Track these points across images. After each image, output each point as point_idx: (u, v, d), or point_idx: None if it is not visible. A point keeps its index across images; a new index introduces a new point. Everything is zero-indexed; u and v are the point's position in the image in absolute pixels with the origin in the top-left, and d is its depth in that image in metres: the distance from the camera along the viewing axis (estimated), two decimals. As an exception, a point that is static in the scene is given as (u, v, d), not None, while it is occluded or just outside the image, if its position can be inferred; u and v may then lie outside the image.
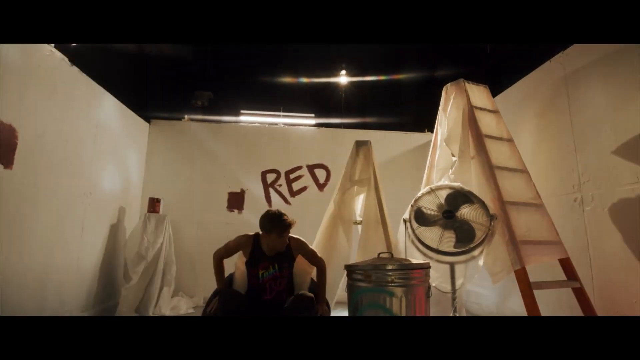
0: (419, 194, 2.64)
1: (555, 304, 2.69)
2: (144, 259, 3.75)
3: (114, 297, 3.89)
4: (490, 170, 2.64)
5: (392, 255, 2.17)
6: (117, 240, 3.98)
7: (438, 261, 2.40)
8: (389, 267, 1.94)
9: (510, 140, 2.92)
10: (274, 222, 2.19)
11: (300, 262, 2.36)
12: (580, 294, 2.45)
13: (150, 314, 3.62)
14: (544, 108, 3.13)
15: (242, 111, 5.21)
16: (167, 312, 3.74)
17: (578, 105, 2.76)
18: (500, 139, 2.89)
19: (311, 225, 3.97)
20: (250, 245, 2.31)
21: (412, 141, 5.16)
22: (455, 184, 2.59)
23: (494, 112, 3.03)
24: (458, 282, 2.45)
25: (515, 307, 3.37)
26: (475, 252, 2.36)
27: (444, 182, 2.78)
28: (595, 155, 2.58)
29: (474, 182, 2.72)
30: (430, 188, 2.61)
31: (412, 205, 2.58)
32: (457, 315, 2.34)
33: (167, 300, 3.85)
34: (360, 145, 3.01)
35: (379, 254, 2.22)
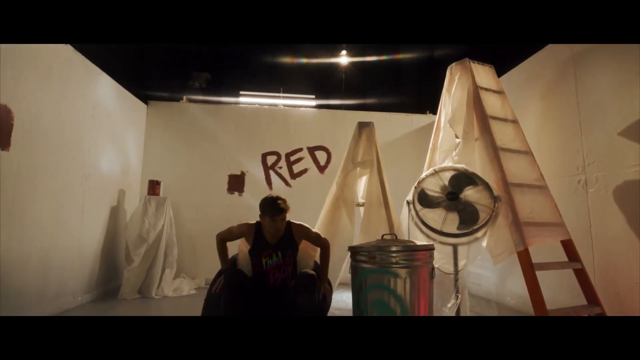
0: (423, 175, 2.61)
1: (556, 285, 2.72)
2: (146, 241, 3.75)
3: (116, 279, 3.91)
4: (494, 151, 2.61)
5: (396, 237, 2.17)
6: (117, 222, 3.97)
7: (441, 243, 2.40)
8: (394, 248, 1.94)
9: (514, 122, 2.88)
10: (267, 205, 2.17)
11: (304, 245, 2.35)
12: (582, 275, 2.47)
13: (154, 296, 3.65)
14: (549, 89, 3.08)
15: (241, 92, 5.11)
16: (169, 293, 3.77)
17: (585, 85, 2.71)
18: (504, 120, 2.85)
19: (312, 208, 3.97)
20: (252, 234, 2.29)
21: (414, 123, 5.10)
22: (459, 166, 2.57)
23: (499, 92, 2.98)
24: (461, 264, 2.46)
25: (515, 288, 3.42)
26: (479, 234, 2.36)
27: (448, 163, 2.75)
28: (601, 137, 2.56)
29: (477, 163, 2.69)
30: (434, 170, 2.59)
31: (415, 187, 2.55)
32: (459, 296, 2.35)
33: (170, 282, 3.87)
34: (362, 126, 2.97)
35: (383, 235, 2.21)
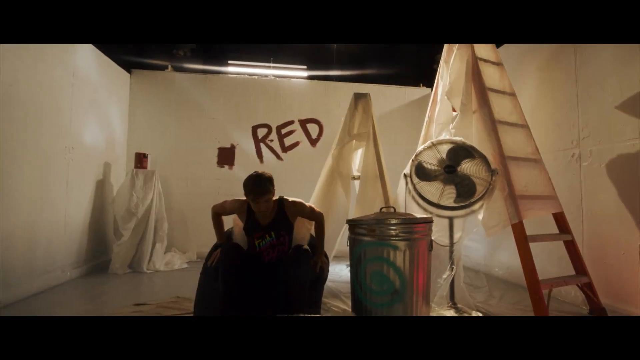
0: (420, 148, 2.59)
1: (544, 256, 2.78)
2: (135, 215, 3.67)
3: (106, 254, 3.84)
4: (492, 124, 2.58)
5: (394, 209, 2.15)
6: (104, 196, 3.85)
7: (438, 216, 2.41)
8: (393, 221, 1.93)
9: (512, 94, 2.84)
10: (247, 185, 2.01)
11: (299, 220, 2.29)
12: (571, 247, 2.53)
13: (145, 270, 3.61)
14: (547, 61, 3.04)
15: (229, 62, 4.90)
16: (161, 267, 3.74)
17: (585, 58, 2.68)
18: (502, 92, 2.81)
19: (303, 181, 3.93)
20: (244, 212, 2.18)
21: (407, 96, 5.03)
22: (457, 139, 2.54)
23: (498, 64, 2.92)
24: (456, 236, 2.49)
25: (503, 259, 3.51)
26: (476, 207, 2.37)
27: (445, 136, 2.73)
28: (598, 111, 2.55)
29: (475, 136, 2.67)
30: (432, 142, 2.56)
31: (412, 160, 2.53)
32: (454, 267, 2.39)
33: (161, 256, 3.83)
34: (359, 97, 2.89)
35: (381, 208, 2.20)
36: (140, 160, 3.91)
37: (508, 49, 3.50)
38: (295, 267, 1.99)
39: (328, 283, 2.43)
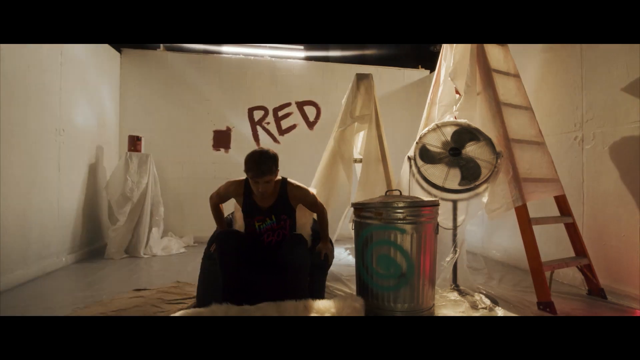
0: (424, 130, 2.54)
1: (543, 238, 2.78)
2: (130, 200, 3.59)
3: (101, 239, 3.77)
4: (497, 106, 2.55)
5: (400, 193, 2.13)
6: (97, 181, 3.75)
7: (442, 199, 2.39)
8: (401, 204, 1.90)
9: (517, 76, 2.81)
10: (248, 163, 1.84)
11: (300, 208, 2.18)
12: (572, 229, 2.55)
13: (142, 255, 3.56)
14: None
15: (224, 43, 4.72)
16: (158, 252, 3.69)
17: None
18: (507, 74, 2.77)
19: (301, 165, 3.88)
20: (241, 195, 2.03)
21: (406, 78, 4.95)
22: (462, 121, 2.50)
23: (503, 45, 2.86)
24: (459, 219, 2.48)
25: (501, 241, 3.55)
26: (480, 189, 2.36)
27: (449, 118, 2.68)
28: (603, 92, 2.53)
29: (478, 118, 2.64)
30: (436, 125, 2.51)
31: (417, 143, 2.49)
32: (458, 250, 2.40)
33: (158, 241, 3.78)
34: (361, 78, 2.81)
35: (387, 191, 2.16)
36: (134, 143, 3.80)
37: (511, 30, 3.43)
38: (293, 253, 1.92)
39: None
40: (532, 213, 2.37)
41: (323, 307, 1.67)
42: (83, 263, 3.30)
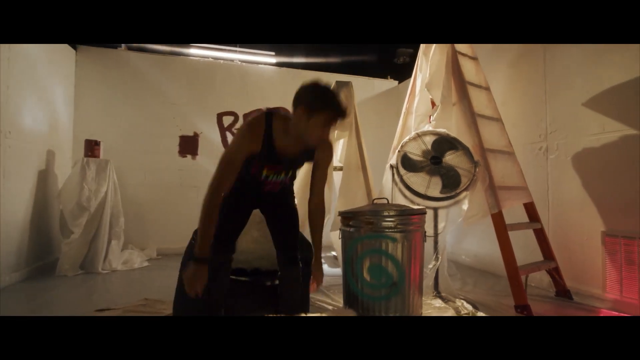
0: (405, 139, 2.58)
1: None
2: (86, 210, 3.27)
3: (52, 253, 3.40)
4: (472, 117, 2.65)
5: (388, 201, 2.12)
6: (47, 189, 3.39)
7: (424, 206, 2.42)
8: (391, 212, 1.89)
9: (487, 89, 2.94)
10: (330, 99, 1.40)
11: None
12: (540, 234, 2.70)
13: (100, 270, 3.25)
14: (517, 58, 3.18)
15: (192, 43, 4.53)
16: (118, 266, 3.39)
17: (553, 55, 2.83)
18: (479, 86, 2.89)
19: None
20: (260, 141, 1.46)
21: (375, 88, 5.04)
22: (441, 130, 2.57)
23: (474, 59, 3.00)
24: (440, 226, 2.53)
25: (470, 247, 3.68)
26: (460, 197, 2.42)
27: (428, 127, 2.75)
28: (565, 107, 2.72)
29: (455, 128, 2.72)
30: (417, 133, 2.56)
31: (398, 151, 2.51)
32: (440, 257, 2.43)
33: (118, 255, 3.47)
34: (341, 86, 2.81)
35: (374, 199, 2.15)
36: (92, 148, 3.49)
37: (478, 45, 3.61)
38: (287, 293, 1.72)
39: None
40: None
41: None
42: (31, 282, 2.93)
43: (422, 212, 2.02)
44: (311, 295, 2.45)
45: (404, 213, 1.92)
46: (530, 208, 2.74)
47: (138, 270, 3.42)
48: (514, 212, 2.79)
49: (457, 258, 3.82)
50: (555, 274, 2.61)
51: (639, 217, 2.23)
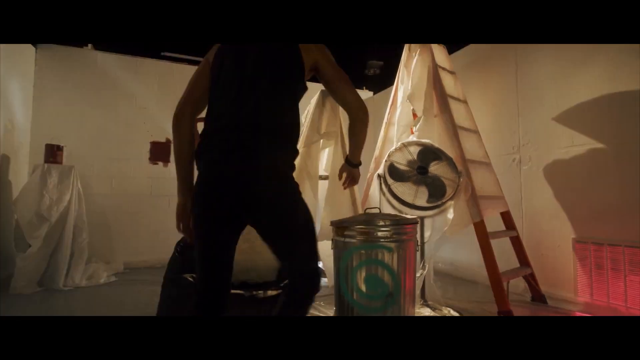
0: (392, 149, 2.61)
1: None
2: (47, 220, 3.00)
3: (4, 269, 3.06)
4: (453, 129, 2.74)
5: (380, 210, 2.12)
6: (0, 197, 3.07)
7: (411, 215, 2.45)
8: (387, 222, 1.88)
9: (465, 102, 3.07)
10: None
11: None
12: (516, 241, 2.82)
13: (61, 287, 2.97)
14: (491, 73, 3.35)
15: (163, 53, 4.33)
16: (82, 282, 3.12)
17: (525, 72, 3.01)
18: (458, 99, 3.01)
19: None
20: None
21: (351, 98, 5.09)
22: (425, 141, 2.63)
23: (452, 73, 3.12)
24: (426, 235, 2.57)
25: (446, 255, 3.77)
26: (446, 206, 2.47)
27: (412, 138, 2.80)
28: (537, 120, 2.89)
29: (437, 139, 2.79)
30: (403, 144, 2.60)
31: (385, 161, 2.54)
32: (426, 266, 2.46)
33: (81, 269, 3.20)
34: (326, 95, 2.79)
35: (366, 209, 2.14)
36: (53, 153, 3.21)
37: (455, 59, 3.76)
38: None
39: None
40: (470, 229, 2.55)
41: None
42: (-20, 302, 2.62)
43: (415, 222, 2.04)
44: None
45: (399, 222, 1.93)
46: (506, 216, 2.87)
47: (104, 286, 3.17)
48: (487, 222, 2.90)
49: (435, 266, 3.89)
50: (531, 279, 2.73)
51: (607, 224, 2.40)
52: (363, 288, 1.87)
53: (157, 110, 4.08)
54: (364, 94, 5.17)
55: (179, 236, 4.18)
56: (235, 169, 1.11)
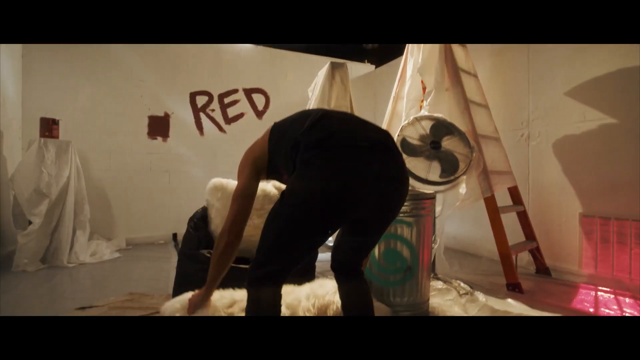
0: (403, 123, 2.56)
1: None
2: (47, 197, 2.91)
3: (3, 247, 2.99)
4: (465, 103, 2.70)
5: (396, 185, 2.10)
6: (-5, 173, 2.96)
7: (423, 191, 2.44)
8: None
9: (476, 76, 3.01)
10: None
11: None
12: (523, 216, 2.86)
13: (66, 264, 2.92)
14: (501, 48, 3.28)
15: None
16: (87, 259, 3.07)
17: (538, 48, 2.95)
18: (469, 73, 2.95)
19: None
20: None
21: (353, 71, 4.96)
22: (437, 115, 2.58)
23: (464, 46, 3.04)
24: (437, 210, 2.57)
25: (450, 230, 3.80)
26: (459, 181, 2.47)
27: (424, 112, 2.75)
28: (548, 96, 2.86)
29: (447, 114, 2.75)
30: (415, 118, 2.55)
31: (398, 135, 2.50)
32: (438, 240, 2.48)
33: (84, 246, 3.15)
34: (336, 67, 2.71)
35: (382, 184, 2.12)
36: (49, 127, 3.08)
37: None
38: None
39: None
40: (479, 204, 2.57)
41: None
42: (-17, 279, 2.56)
43: (432, 197, 2.03)
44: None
45: (417, 198, 1.92)
46: (514, 192, 2.88)
47: (109, 263, 3.13)
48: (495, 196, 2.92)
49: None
50: (536, 253, 2.79)
51: (616, 199, 2.43)
52: (382, 262, 1.88)
53: (155, 83, 3.92)
54: (366, 68, 5.05)
55: (180, 213, 4.16)
56: (384, 166, 1.09)
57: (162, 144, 3.96)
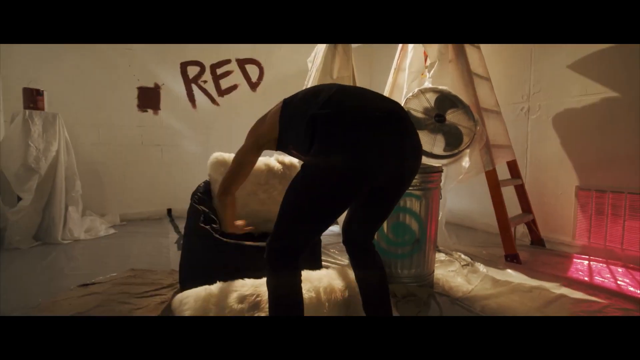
0: (408, 95, 2.52)
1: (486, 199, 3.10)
2: (36, 172, 2.79)
3: (-7, 224, 2.88)
4: (469, 76, 2.67)
5: (404, 159, 2.08)
6: (-22, 147, 2.80)
7: (427, 164, 2.43)
8: (415, 171, 1.86)
9: (479, 48, 2.96)
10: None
11: None
12: (521, 189, 2.90)
13: (60, 240, 2.85)
14: (503, 17, 3.21)
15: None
16: (81, 235, 3.00)
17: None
18: (472, 45, 2.89)
19: (242, 129, 3.50)
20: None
21: (349, 42, 4.83)
22: (442, 87, 2.54)
23: (467, 15, 2.96)
24: (440, 183, 2.57)
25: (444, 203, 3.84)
26: (462, 155, 2.46)
27: (427, 84, 2.71)
28: (550, 68, 2.85)
29: (450, 86, 2.71)
30: (419, 90, 2.50)
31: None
32: (440, 213, 2.50)
33: (78, 222, 3.06)
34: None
35: (389, 158, 2.09)
36: (33, 98, 2.91)
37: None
38: None
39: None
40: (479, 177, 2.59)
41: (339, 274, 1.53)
42: (-25, 257, 2.48)
43: (440, 170, 2.03)
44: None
45: (426, 171, 1.91)
46: (512, 165, 2.91)
47: (105, 239, 3.07)
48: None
49: (431, 214, 4.01)
50: (532, 225, 2.86)
51: (613, 172, 2.48)
52: (390, 235, 1.89)
53: (144, 52, 3.72)
54: (362, 39, 4.90)
55: (173, 188, 4.07)
56: (402, 136, 1.10)
57: (153, 116, 3.82)
